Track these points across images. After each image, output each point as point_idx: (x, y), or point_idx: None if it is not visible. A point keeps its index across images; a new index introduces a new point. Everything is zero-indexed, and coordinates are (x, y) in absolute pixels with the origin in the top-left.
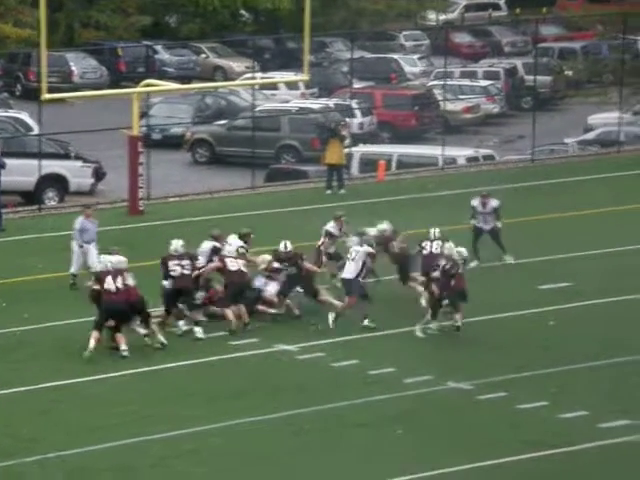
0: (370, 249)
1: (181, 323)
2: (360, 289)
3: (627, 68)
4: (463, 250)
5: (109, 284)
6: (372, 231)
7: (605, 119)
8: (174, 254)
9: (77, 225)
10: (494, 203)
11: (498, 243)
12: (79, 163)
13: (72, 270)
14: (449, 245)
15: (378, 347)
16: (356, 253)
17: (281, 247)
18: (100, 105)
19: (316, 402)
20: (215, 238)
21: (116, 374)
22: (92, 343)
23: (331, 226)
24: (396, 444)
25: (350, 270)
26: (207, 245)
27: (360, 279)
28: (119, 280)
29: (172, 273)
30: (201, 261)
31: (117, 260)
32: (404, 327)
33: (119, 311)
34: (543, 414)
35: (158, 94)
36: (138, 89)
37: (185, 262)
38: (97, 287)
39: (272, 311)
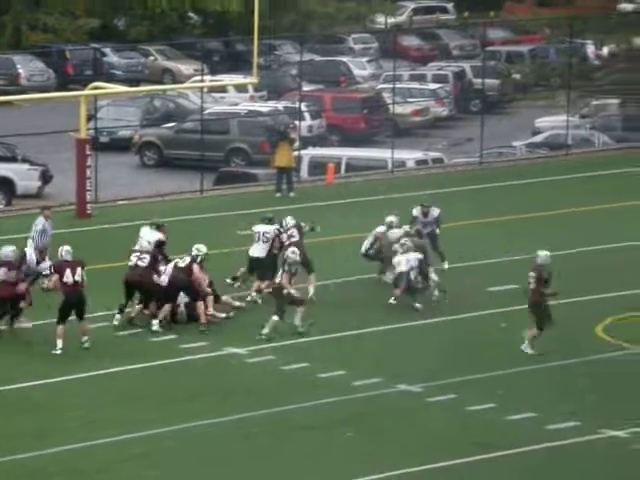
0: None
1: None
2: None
3: (574, 72)
4: None
5: (67, 277)
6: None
7: (553, 122)
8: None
9: (39, 226)
10: (435, 213)
11: (435, 248)
12: (26, 166)
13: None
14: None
15: (328, 350)
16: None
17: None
18: (47, 108)
19: (266, 405)
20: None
21: (64, 378)
22: (60, 340)
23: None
24: (346, 447)
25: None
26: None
27: None
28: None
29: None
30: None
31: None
32: (354, 330)
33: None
34: (492, 416)
35: (106, 97)
36: (85, 92)
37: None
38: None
39: (221, 315)
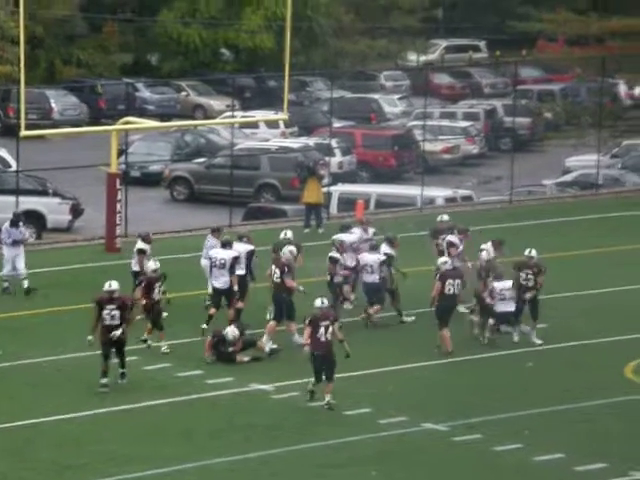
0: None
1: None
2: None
3: (605, 111)
4: None
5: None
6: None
7: (583, 161)
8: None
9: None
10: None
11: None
12: (57, 200)
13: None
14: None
15: (354, 387)
16: None
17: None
18: (79, 142)
19: (291, 442)
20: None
21: (90, 412)
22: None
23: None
24: None
25: None
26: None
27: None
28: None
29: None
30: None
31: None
32: (381, 367)
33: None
34: (519, 457)
35: (138, 132)
36: (116, 127)
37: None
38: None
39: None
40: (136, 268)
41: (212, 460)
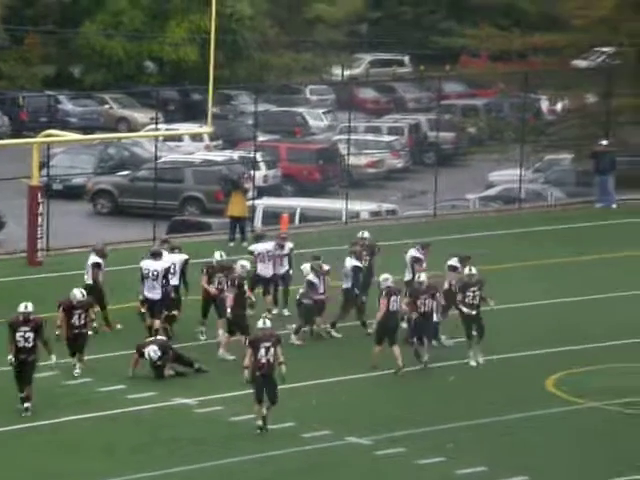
0: None
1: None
2: None
3: (528, 126)
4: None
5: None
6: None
7: (506, 176)
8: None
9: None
10: (290, 245)
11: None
12: None
13: None
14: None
15: (279, 401)
16: None
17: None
18: (0, 154)
19: (216, 457)
20: (97, 252)
21: (7, 428)
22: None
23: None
24: None
25: None
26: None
27: None
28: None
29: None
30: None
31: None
32: (305, 381)
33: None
34: (442, 470)
35: (60, 144)
36: (38, 139)
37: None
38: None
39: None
40: (89, 282)
41: (134, 475)
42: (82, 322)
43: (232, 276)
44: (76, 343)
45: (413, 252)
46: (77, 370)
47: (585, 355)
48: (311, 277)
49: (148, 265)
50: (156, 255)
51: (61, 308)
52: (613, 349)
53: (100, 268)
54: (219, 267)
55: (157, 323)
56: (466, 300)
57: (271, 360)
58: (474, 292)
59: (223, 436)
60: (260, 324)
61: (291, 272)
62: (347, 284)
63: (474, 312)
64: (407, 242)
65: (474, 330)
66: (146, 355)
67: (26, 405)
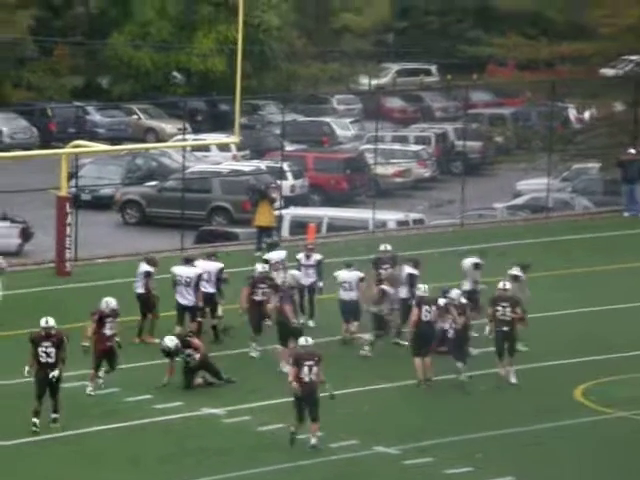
0: None
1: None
2: None
3: (556, 135)
4: None
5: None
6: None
7: (534, 185)
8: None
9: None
10: (318, 257)
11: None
12: (6, 223)
13: None
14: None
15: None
16: None
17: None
18: (30, 166)
19: (242, 466)
20: (149, 261)
21: (34, 438)
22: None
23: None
24: None
25: None
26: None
27: None
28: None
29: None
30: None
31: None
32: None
33: None
34: (470, 479)
35: (88, 155)
36: (66, 150)
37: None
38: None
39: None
40: (141, 290)
41: None
42: (113, 332)
43: (284, 287)
44: (108, 354)
45: (472, 260)
46: (100, 381)
47: (612, 365)
48: (385, 286)
49: (180, 271)
50: (188, 261)
51: (95, 317)
52: (639, 359)
53: (151, 277)
54: (261, 278)
55: (193, 326)
56: (497, 315)
57: (314, 379)
58: (504, 307)
59: (250, 446)
60: (302, 341)
61: (320, 284)
62: (404, 293)
63: (505, 328)
64: (459, 249)
65: (505, 347)
66: (162, 344)
67: (54, 416)
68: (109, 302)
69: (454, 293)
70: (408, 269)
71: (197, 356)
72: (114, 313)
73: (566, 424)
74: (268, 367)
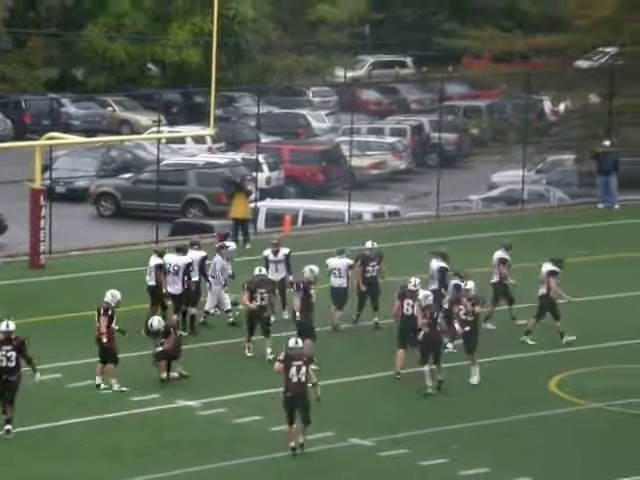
0: None
1: None
2: None
3: (531, 127)
4: None
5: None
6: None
7: (509, 177)
8: None
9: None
10: (285, 251)
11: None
12: None
13: None
14: None
15: (280, 403)
16: None
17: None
18: (3, 158)
19: (218, 459)
20: (160, 254)
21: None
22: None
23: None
24: None
25: None
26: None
27: None
28: None
29: None
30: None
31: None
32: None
33: None
34: (445, 471)
35: (63, 147)
36: (40, 142)
37: None
38: None
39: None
40: (152, 283)
41: (137, 478)
42: (116, 325)
43: (299, 280)
44: (112, 350)
45: (500, 254)
46: (115, 385)
47: (586, 356)
48: (457, 280)
49: (170, 260)
50: (179, 250)
51: (105, 313)
52: (613, 350)
53: (162, 270)
54: (259, 282)
55: (175, 318)
56: (460, 315)
57: (302, 379)
58: (466, 307)
59: (226, 439)
60: (291, 343)
61: (291, 277)
62: (434, 286)
63: (467, 328)
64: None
65: (468, 345)
66: (149, 323)
67: (7, 427)
68: (114, 295)
69: (470, 284)
70: (437, 263)
71: (167, 346)
72: (119, 305)
73: (541, 415)
74: (244, 360)
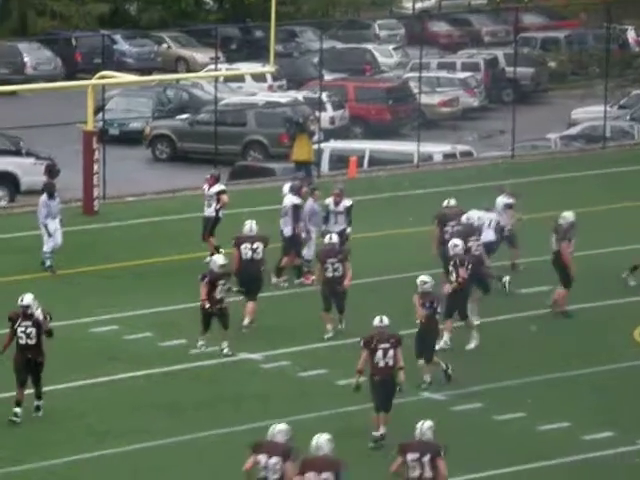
0: None
1: None
2: None
3: (613, 59)
4: None
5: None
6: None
7: (590, 113)
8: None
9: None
10: (347, 203)
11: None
12: (31, 160)
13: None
14: None
15: (346, 356)
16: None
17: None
18: (54, 98)
19: (282, 413)
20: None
21: (64, 385)
22: None
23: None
24: (366, 456)
25: None
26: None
27: None
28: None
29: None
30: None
31: None
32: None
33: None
34: (522, 426)
35: (116, 87)
36: (93, 81)
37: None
38: None
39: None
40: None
41: (198, 433)
42: (222, 295)
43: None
44: (219, 316)
45: (504, 199)
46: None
47: None
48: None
49: (285, 201)
50: (293, 190)
51: (206, 281)
52: None
53: (299, 210)
54: (329, 251)
55: (284, 260)
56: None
57: (390, 364)
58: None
59: (289, 392)
60: (377, 322)
61: (349, 229)
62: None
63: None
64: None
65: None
66: (213, 261)
67: (16, 410)
68: (216, 260)
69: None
70: (502, 199)
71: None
72: (226, 274)
73: (624, 366)
74: (310, 311)
